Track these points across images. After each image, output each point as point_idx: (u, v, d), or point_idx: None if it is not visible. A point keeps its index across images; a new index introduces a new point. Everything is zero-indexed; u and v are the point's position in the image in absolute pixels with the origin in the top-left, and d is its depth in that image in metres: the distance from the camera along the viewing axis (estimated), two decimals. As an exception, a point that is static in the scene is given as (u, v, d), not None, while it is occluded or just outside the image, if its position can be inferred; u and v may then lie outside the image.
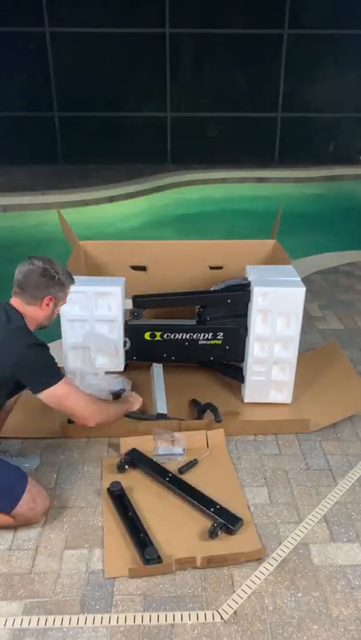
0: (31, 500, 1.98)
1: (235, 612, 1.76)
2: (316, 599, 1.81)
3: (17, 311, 2.03)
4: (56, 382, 1.98)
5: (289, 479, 2.33)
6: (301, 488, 2.28)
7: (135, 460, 2.33)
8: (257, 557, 1.94)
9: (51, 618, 1.74)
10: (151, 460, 2.34)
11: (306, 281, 4.40)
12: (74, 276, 2.19)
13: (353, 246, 5.34)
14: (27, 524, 2.03)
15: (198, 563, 1.89)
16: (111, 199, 7.11)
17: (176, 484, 2.22)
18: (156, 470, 2.28)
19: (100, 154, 8.48)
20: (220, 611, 1.76)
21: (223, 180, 8.01)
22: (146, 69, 8.46)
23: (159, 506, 2.12)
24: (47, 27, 8.02)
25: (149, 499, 2.15)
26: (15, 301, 2.06)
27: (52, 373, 2.00)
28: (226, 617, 1.74)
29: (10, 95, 8.29)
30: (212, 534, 1.97)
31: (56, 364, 2.05)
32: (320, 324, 3.69)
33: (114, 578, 1.87)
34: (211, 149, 8.75)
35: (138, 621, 1.73)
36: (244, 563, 1.92)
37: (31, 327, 2.06)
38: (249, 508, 2.16)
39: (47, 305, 2.07)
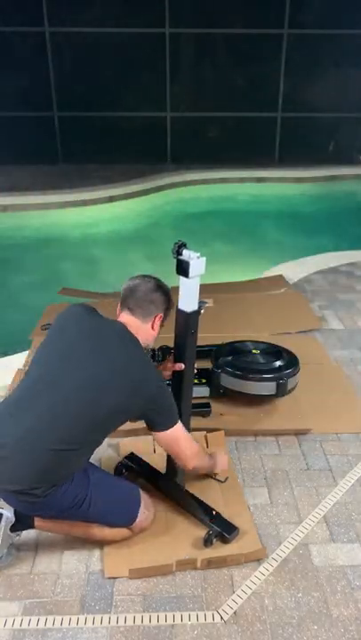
0: (145, 508, 1.96)
1: (235, 613, 1.75)
2: (317, 599, 1.81)
3: (131, 334, 1.87)
4: (176, 423, 1.89)
5: (289, 479, 2.33)
6: (301, 488, 2.28)
7: (133, 464, 2.31)
8: (257, 558, 1.94)
9: (50, 618, 1.74)
10: (148, 464, 2.31)
11: (306, 281, 4.47)
12: None
13: (353, 246, 5.33)
14: (140, 532, 1.98)
15: (198, 564, 1.89)
16: (111, 199, 7.11)
17: (172, 488, 2.19)
18: (153, 475, 2.26)
19: (99, 154, 8.46)
20: (219, 611, 1.76)
21: (223, 180, 8.00)
22: (146, 69, 8.45)
23: (159, 507, 2.12)
24: (47, 26, 8.01)
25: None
26: (128, 319, 1.90)
27: (175, 413, 1.90)
28: (226, 617, 1.74)
29: (10, 95, 8.27)
30: (207, 542, 1.95)
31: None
32: (320, 324, 3.69)
33: (114, 578, 1.87)
34: (211, 149, 8.73)
35: (138, 622, 1.73)
36: (245, 563, 1.92)
37: None
38: (249, 508, 2.16)
39: (155, 324, 1.93)
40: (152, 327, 1.92)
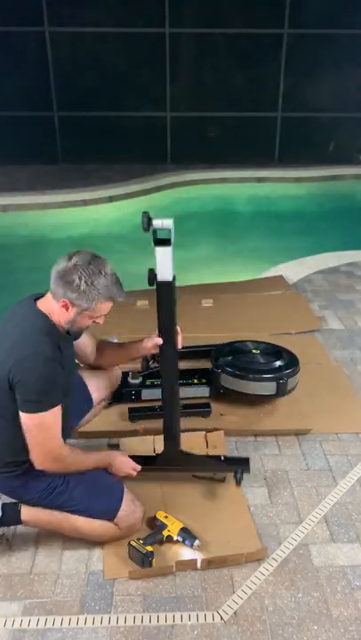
0: (131, 502, 1.94)
1: (235, 613, 1.75)
2: (317, 600, 1.81)
3: (37, 309, 1.78)
4: (39, 412, 1.71)
5: (289, 479, 2.33)
6: (301, 488, 2.28)
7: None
8: (257, 558, 1.94)
9: (50, 618, 1.74)
10: (144, 456, 2.28)
11: (306, 281, 4.47)
12: None
13: (353, 246, 5.33)
14: (130, 532, 1.94)
15: (199, 565, 1.89)
16: (111, 199, 7.11)
17: (172, 459, 2.19)
18: (152, 459, 2.24)
19: (99, 154, 8.46)
20: (220, 611, 1.76)
21: (223, 180, 8.00)
22: (146, 69, 8.45)
23: (159, 508, 2.11)
24: (47, 26, 8.00)
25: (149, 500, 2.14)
26: (47, 294, 1.81)
27: (41, 402, 1.71)
28: (226, 617, 1.74)
29: (10, 95, 8.27)
30: (239, 482, 2.17)
31: (55, 386, 1.74)
32: (320, 324, 3.69)
33: (114, 579, 1.87)
34: (211, 149, 8.73)
35: (138, 622, 1.73)
36: (245, 563, 1.92)
37: (61, 328, 1.80)
38: (249, 508, 2.16)
39: (64, 308, 1.75)
40: (65, 308, 1.75)
